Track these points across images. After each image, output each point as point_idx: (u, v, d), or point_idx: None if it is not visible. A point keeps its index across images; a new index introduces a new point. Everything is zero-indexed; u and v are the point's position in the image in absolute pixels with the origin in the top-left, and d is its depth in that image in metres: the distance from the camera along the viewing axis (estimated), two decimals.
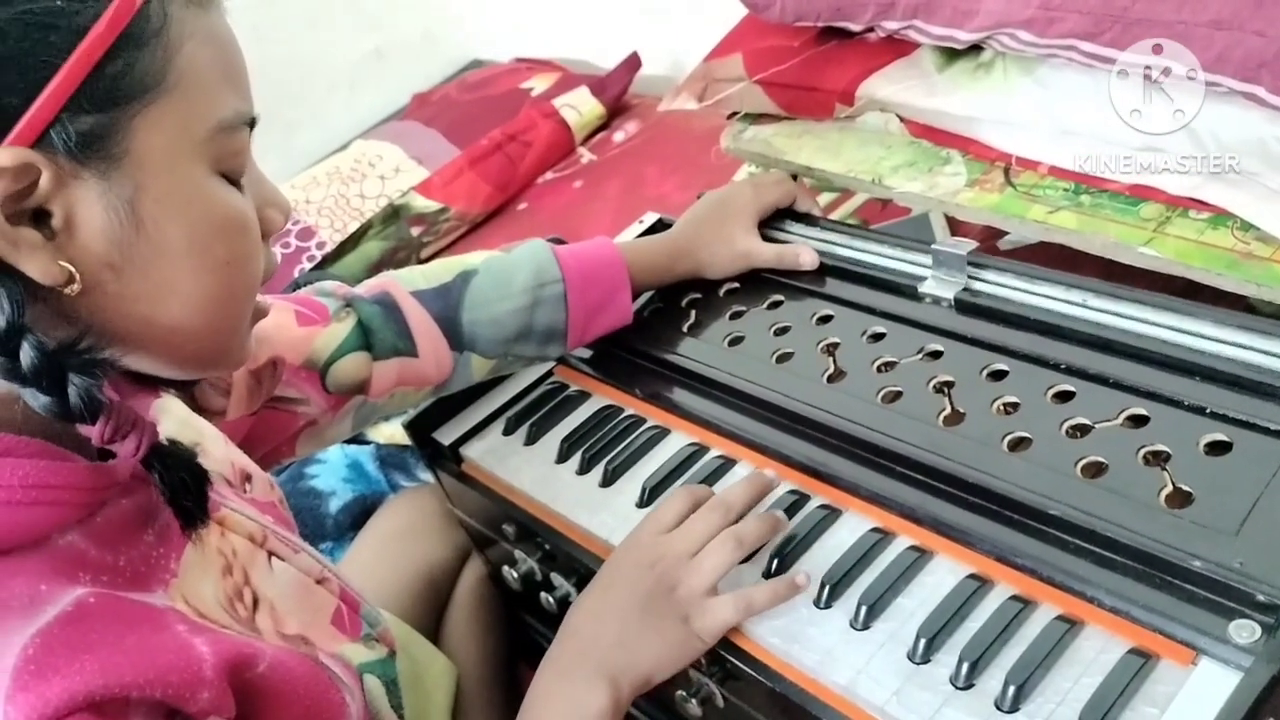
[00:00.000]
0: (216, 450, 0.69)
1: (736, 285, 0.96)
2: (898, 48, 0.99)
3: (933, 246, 0.85)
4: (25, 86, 0.45)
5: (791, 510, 0.74)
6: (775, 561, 0.70)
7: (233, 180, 0.54)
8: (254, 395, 0.77)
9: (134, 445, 0.51)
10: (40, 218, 0.47)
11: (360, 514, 1.27)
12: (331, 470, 1.35)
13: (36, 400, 0.48)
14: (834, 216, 1.29)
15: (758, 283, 0.95)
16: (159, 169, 0.49)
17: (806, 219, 0.99)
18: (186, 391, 0.73)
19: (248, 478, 0.70)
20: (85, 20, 0.46)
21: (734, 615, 0.66)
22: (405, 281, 0.85)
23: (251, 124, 0.54)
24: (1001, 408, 0.74)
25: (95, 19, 0.47)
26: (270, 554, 0.65)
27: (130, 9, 0.48)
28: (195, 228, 0.51)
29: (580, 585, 0.81)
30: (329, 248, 1.73)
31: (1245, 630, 0.56)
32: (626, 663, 0.64)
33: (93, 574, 0.51)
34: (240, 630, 0.57)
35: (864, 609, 0.65)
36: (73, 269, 0.48)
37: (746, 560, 0.71)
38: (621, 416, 0.88)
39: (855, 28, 1.01)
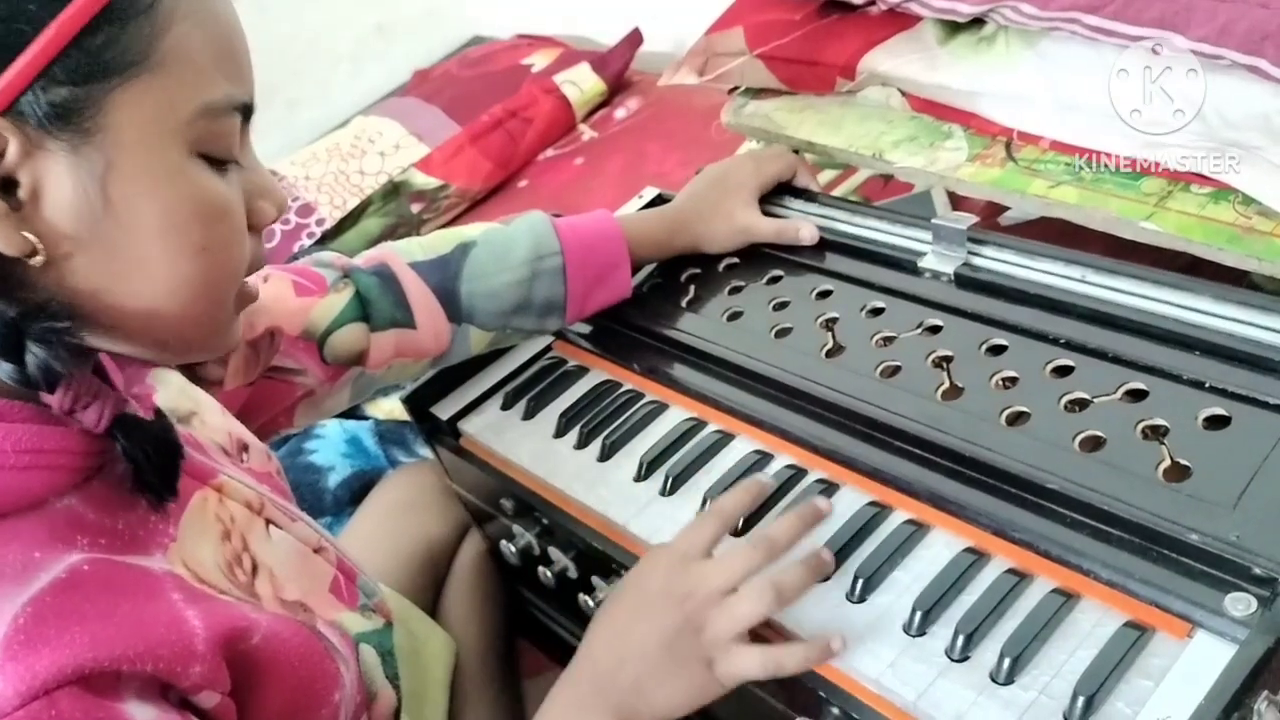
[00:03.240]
0: (214, 419, 0.69)
1: (736, 260, 0.95)
2: (899, 21, 0.99)
3: (933, 221, 0.84)
4: None
5: (789, 484, 0.74)
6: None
7: (218, 165, 0.52)
8: (251, 366, 0.77)
9: (95, 416, 0.50)
10: (8, 187, 0.47)
11: (359, 489, 1.27)
12: (330, 445, 1.35)
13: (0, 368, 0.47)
14: (835, 193, 1.29)
15: (757, 257, 0.94)
16: (134, 147, 0.48)
17: (805, 195, 0.98)
18: None
19: (245, 447, 0.70)
20: None
21: (759, 672, 0.61)
22: (403, 253, 0.85)
23: (246, 111, 0.53)
24: (1000, 382, 0.73)
25: None
26: (268, 522, 0.65)
27: None
28: (168, 210, 0.50)
29: (577, 562, 0.81)
30: (329, 224, 1.73)
31: (1241, 603, 0.56)
32: (643, 705, 0.62)
33: (90, 537, 0.50)
34: (240, 595, 0.57)
35: (860, 582, 0.65)
36: (36, 241, 0.47)
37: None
38: (620, 391, 0.88)
39: (857, 1, 1.00)
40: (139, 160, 0.48)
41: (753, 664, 0.61)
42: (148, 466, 0.53)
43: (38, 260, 0.47)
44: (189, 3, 0.49)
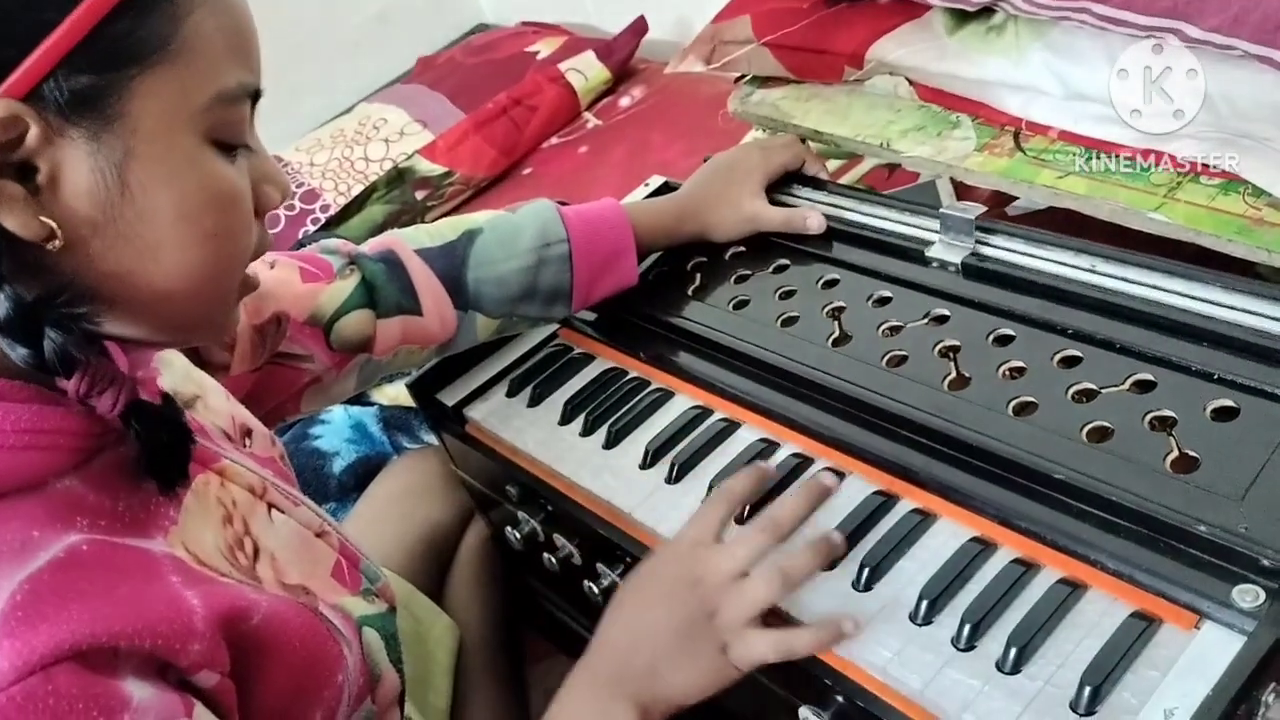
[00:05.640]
0: (217, 403, 0.68)
1: (742, 249, 0.95)
2: (908, 10, 0.98)
3: (940, 210, 0.84)
4: (22, 39, 0.45)
5: (795, 473, 0.74)
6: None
7: (228, 151, 0.53)
8: (258, 351, 0.77)
9: (110, 401, 0.50)
10: (26, 172, 0.47)
11: (364, 475, 1.27)
12: (335, 431, 1.35)
13: (14, 351, 0.48)
14: (841, 182, 1.28)
15: (764, 246, 0.94)
16: (152, 134, 0.49)
17: (814, 183, 0.98)
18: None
19: (248, 433, 0.70)
20: None
21: (772, 655, 0.62)
22: (410, 240, 0.85)
23: (255, 96, 0.54)
24: (1007, 372, 0.73)
25: None
26: (270, 506, 0.65)
27: None
28: (183, 197, 0.50)
29: (582, 548, 0.81)
30: (333, 211, 1.73)
31: (1249, 595, 0.56)
32: (659, 691, 0.62)
33: (90, 518, 0.50)
34: (241, 579, 0.57)
35: (866, 571, 0.65)
36: (54, 225, 0.47)
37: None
38: (625, 379, 0.88)
39: None
40: (156, 147, 0.49)
41: (765, 647, 0.61)
42: (162, 452, 0.53)
43: (55, 245, 0.48)
44: None
